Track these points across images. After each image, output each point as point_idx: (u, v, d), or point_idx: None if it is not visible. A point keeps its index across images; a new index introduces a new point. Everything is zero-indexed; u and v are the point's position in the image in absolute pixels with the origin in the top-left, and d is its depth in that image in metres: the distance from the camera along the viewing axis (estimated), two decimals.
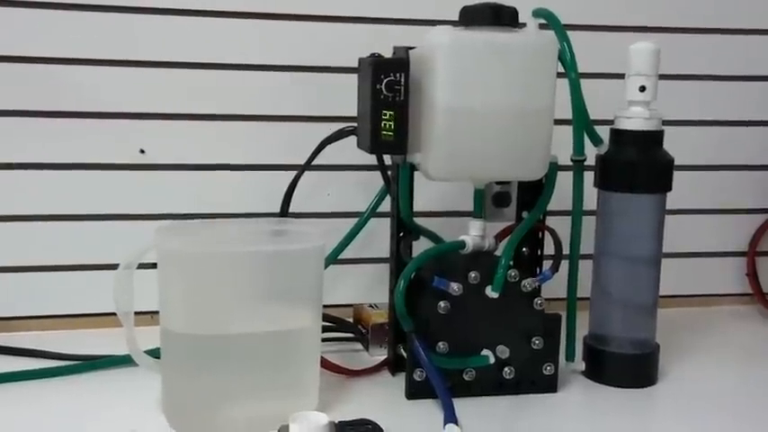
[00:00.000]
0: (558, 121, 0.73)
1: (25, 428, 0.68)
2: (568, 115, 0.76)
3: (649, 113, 0.76)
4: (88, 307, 0.90)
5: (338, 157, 0.90)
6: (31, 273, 0.89)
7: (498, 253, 0.75)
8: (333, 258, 0.87)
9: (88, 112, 0.88)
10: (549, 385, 0.76)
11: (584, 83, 0.75)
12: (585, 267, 0.80)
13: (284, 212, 0.87)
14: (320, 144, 0.86)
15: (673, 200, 0.79)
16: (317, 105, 0.92)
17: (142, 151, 0.89)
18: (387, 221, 0.79)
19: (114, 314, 0.67)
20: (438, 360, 0.73)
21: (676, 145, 0.78)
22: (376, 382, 0.78)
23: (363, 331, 0.86)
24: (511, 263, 0.73)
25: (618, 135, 0.77)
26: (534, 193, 0.78)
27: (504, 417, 0.72)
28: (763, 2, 1.01)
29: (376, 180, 0.87)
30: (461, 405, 0.70)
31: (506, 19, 0.72)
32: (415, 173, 0.75)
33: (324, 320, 0.73)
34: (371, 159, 0.83)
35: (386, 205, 0.83)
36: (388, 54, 0.75)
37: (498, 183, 0.79)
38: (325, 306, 0.72)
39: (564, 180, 0.78)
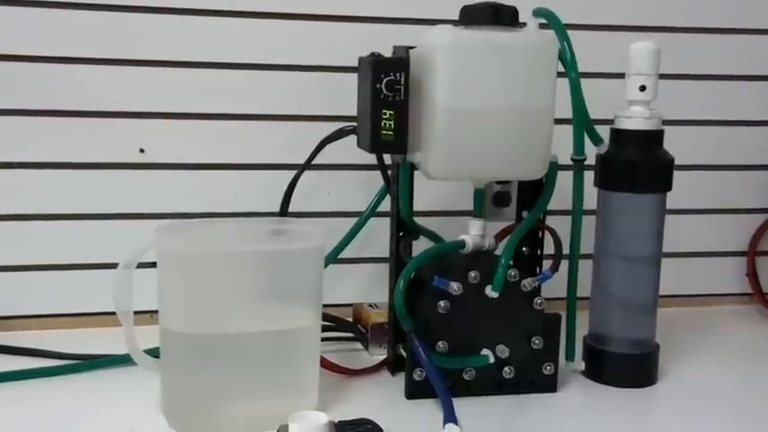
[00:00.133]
0: (559, 121, 0.73)
1: (25, 427, 0.68)
2: (568, 115, 0.76)
3: (649, 113, 0.76)
4: (88, 306, 0.90)
5: (338, 157, 0.90)
6: (30, 272, 0.89)
7: (498, 252, 0.75)
8: (332, 258, 0.87)
9: (88, 112, 0.88)
10: (549, 385, 0.76)
11: (584, 82, 0.75)
12: (585, 267, 0.80)
13: (284, 212, 0.87)
14: (320, 143, 0.86)
15: (673, 199, 0.79)
16: (317, 105, 0.91)
17: (142, 150, 0.89)
18: (386, 221, 0.79)
19: (114, 313, 0.67)
20: (438, 360, 0.72)
21: (676, 144, 0.78)
22: (376, 381, 0.78)
23: (363, 331, 0.86)
24: (511, 262, 0.73)
25: (618, 135, 0.77)
26: (534, 192, 0.78)
27: (504, 416, 0.72)
28: (763, 2, 1.01)
29: (376, 179, 0.87)
30: (461, 405, 0.70)
31: (506, 18, 0.72)
32: (415, 172, 0.75)
33: (323, 320, 0.73)
34: (371, 159, 0.83)
35: (386, 205, 0.83)
36: (388, 53, 0.75)
37: (498, 182, 0.79)
38: (324, 305, 0.71)
39: (564, 180, 0.78)
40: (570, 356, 0.81)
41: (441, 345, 0.73)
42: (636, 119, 0.76)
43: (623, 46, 0.76)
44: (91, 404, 0.72)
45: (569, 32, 0.75)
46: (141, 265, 0.66)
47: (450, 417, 0.68)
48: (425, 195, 0.89)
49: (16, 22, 0.85)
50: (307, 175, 0.88)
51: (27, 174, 0.87)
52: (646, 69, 0.75)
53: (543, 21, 0.74)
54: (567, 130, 0.76)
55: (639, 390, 0.78)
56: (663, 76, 0.76)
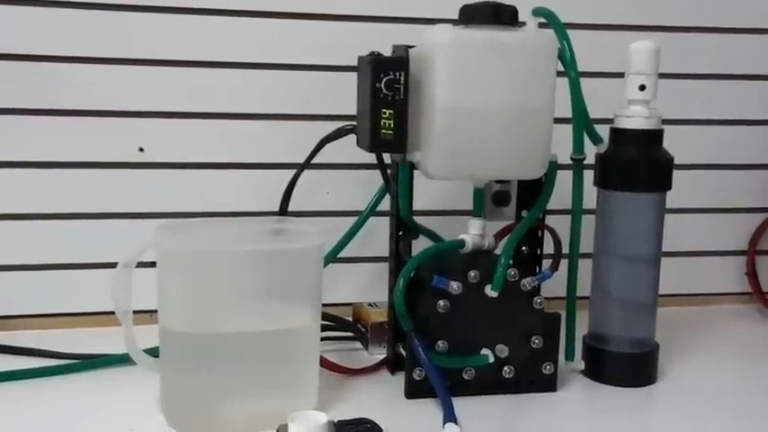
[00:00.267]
0: (558, 120, 0.73)
1: (24, 427, 0.68)
2: (568, 114, 0.76)
3: (649, 112, 0.76)
4: (87, 305, 0.90)
5: (338, 156, 0.90)
6: (29, 271, 0.89)
7: (498, 252, 0.75)
8: (332, 257, 0.87)
9: (87, 111, 0.88)
10: (549, 384, 0.76)
11: (583, 82, 0.75)
12: (585, 266, 0.80)
13: (283, 211, 0.87)
14: (320, 143, 0.86)
15: (673, 199, 0.79)
16: (317, 104, 0.91)
17: (141, 150, 0.89)
18: (386, 220, 0.79)
19: (113, 313, 0.67)
20: (437, 359, 0.72)
21: (676, 144, 0.78)
22: (375, 381, 0.78)
23: (363, 330, 0.86)
24: (510, 262, 0.73)
25: (618, 134, 0.77)
26: (534, 191, 0.78)
27: (504, 416, 0.72)
28: (763, 2, 1.01)
29: (375, 179, 0.86)
30: (461, 404, 0.70)
31: (506, 18, 0.72)
32: (415, 171, 0.75)
33: (323, 319, 0.73)
34: (371, 158, 0.83)
35: (385, 204, 0.83)
36: (387, 53, 0.75)
37: (498, 181, 0.79)
38: (324, 305, 0.71)
39: (563, 179, 0.78)
40: (570, 356, 0.81)
41: (440, 344, 0.73)
42: (635, 118, 0.76)
43: (623, 45, 0.76)
44: (90, 403, 0.72)
45: (569, 32, 0.75)
46: (141, 265, 0.66)
47: (449, 416, 0.68)
48: (425, 195, 0.89)
49: (16, 21, 0.85)
50: (306, 174, 0.88)
51: (26, 173, 0.87)
52: (645, 69, 0.75)
53: (543, 20, 0.74)
54: (567, 129, 0.76)
55: (639, 389, 0.78)
56: (662, 76, 0.76)
